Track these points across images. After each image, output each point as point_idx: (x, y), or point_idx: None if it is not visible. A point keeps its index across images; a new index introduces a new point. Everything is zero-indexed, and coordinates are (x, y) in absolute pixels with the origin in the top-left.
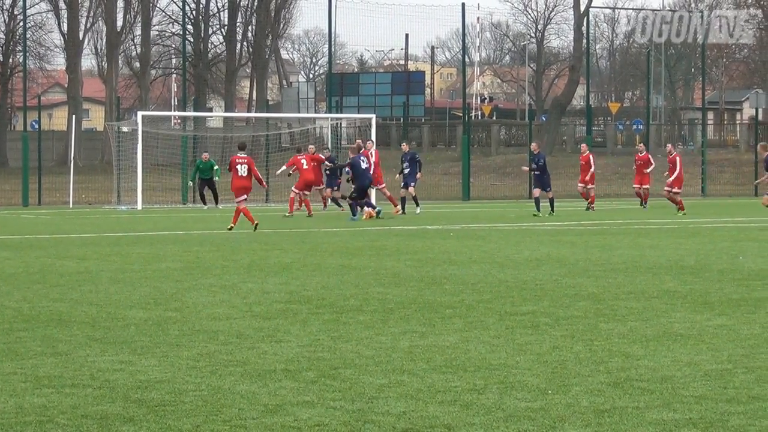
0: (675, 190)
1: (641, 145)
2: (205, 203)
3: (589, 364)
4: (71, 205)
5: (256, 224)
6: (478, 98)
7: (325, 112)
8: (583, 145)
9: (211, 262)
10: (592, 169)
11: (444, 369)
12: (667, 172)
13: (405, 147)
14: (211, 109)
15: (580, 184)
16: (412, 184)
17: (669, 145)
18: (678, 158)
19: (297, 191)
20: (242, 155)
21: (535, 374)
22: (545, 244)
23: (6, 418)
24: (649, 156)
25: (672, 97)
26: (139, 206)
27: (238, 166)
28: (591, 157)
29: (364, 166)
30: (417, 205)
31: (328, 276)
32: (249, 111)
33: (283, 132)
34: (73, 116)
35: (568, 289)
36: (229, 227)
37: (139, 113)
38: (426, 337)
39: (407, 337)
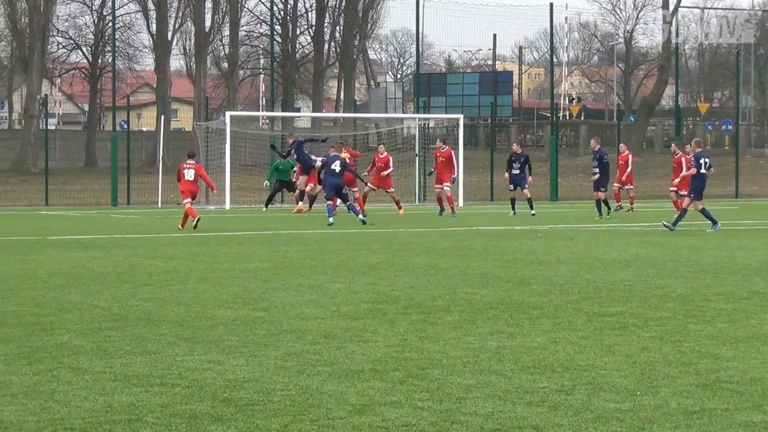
0: (681, 192)
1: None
2: (267, 206)
3: (678, 365)
4: (160, 205)
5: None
6: (566, 98)
7: (413, 112)
8: (622, 144)
9: (299, 261)
10: (629, 170)
11: (532, 370)
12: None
13: (517, 148)
14: (298, 109)
15: (615, 185)
16: (526, 186)
17: (674, 144)
18: (684, 159)
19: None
20: (190, 162)
21: (624, 375)
22: (633, 245)
23: (95, 417)
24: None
25: (762, 98)
26: (227, 206)
27: (185, 171)
28: (630, 157)
29: (338, 169)
30: (531, 207)
31: (416, 276)
32: (336, 111)
33: (371, 132)
34: (162, 116)
35: (657, 290)
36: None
37: (228, 113)
38: (514, 338)
39: (495, 338)
